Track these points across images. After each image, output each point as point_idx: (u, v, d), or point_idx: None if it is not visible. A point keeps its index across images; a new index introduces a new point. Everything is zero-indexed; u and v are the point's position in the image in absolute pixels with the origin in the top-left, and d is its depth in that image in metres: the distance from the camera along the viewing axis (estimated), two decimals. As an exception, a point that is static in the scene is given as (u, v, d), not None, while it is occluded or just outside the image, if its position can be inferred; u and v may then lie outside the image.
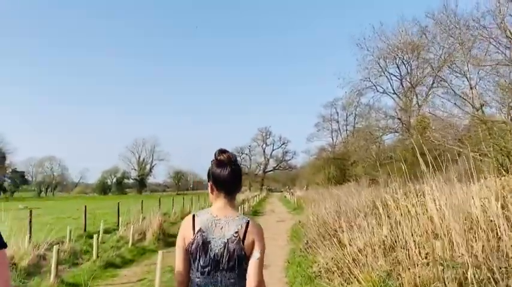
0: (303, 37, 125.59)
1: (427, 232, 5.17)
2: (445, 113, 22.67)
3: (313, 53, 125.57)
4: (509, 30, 16.58)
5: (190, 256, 2.18)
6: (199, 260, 2.15)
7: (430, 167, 6.68)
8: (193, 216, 2.26)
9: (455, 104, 18.37)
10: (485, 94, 18.59)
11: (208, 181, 2.35)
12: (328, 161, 52.90)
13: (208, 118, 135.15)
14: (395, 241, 5.40)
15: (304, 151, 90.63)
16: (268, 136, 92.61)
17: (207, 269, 2.14)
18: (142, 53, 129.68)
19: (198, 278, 2.16)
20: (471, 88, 17.81)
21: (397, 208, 5.76)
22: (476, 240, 4.37)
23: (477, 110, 17.71)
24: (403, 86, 36.14)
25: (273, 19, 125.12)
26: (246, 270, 2.18)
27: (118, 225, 16.44)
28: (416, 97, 34.75)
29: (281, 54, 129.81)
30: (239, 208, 23.17)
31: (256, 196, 50.45)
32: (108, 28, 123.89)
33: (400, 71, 35.67)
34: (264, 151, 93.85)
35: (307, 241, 8.97)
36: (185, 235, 2.21)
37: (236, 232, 2.17)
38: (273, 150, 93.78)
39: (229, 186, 2.29)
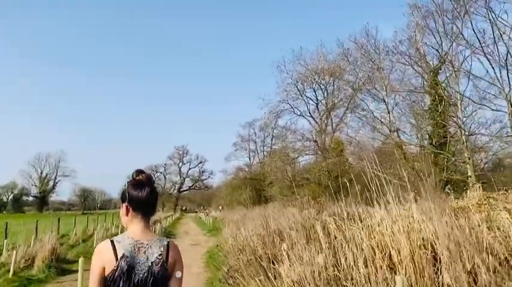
0: (225, 58, 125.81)
1: (373, 261, 4.37)
2: (362, 137, 23.22)
3: (237, 74, 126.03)
4: (425, 58, 17.33)
5: (111, 284, 2.09)
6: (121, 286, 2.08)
7: (374, 190, 6.00)
8: (112, 242, 2.15)
9: (374, 127, 18.69)
10: (402, 119, 19.25)
11: (124, 203, 2.27)
12: (245, 181, 52.41)
13: (121, 136, 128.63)
14: (339, 271, 4.55)
15: (221, 171, 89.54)
16: (185, 155, 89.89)
17: None
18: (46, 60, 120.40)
19: None
20: (388, 112, 18.26)
21: (340, 230, 4.94)
22: (439, 274, 3.65)
23: (393, 133, 18.13)
24: (318, 110, 37.07)
25: (197, 39, 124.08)
26: None
27: (2, 249, 13.89)
28: (332, 121, 35.82)
29: (203, 73, 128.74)
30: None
31: (169, 216, 48.04)
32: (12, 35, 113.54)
33: (316, 95, 36.56)
34: (180, 170, 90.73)
35: (228, 269, 7.85)
36: (104, 262, 2.11)
37: (160, 255, 2.18)
38: (190, 169, 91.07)
39: (147, 208, 2.27)
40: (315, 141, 33.86)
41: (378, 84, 18.36)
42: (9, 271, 10.23)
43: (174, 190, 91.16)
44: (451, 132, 17.00)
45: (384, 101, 18.12)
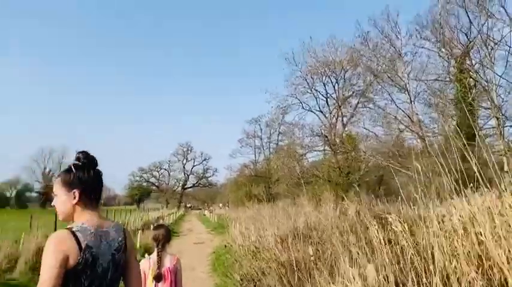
0: (232, 52, 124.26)
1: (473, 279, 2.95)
2: (378, 131, 21.74)
3: (244, 70, 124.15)
4: (450, 44, 15.81)
5: (72, 278, 1.81)
6: (84, 280, 1.84)
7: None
8: (71, 231, 1.87)
9: (395, 117, 17.17)
10: (424, 111, 17.78)
11: (71, 188, 2.02)
12: (250, 179, 50.95)
13: (124, 133, 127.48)
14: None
15: (226, 167, 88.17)
16: (189, 151, 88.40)
17: None
18: (51, 58, 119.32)
19: None
20: (411, 102, 16.77)
21: (404, 233, 3.50)
22: None
23: (415, 124, 16.64)
24: (328, 104, 35.45)
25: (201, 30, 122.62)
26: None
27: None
28: (342, 115, 34.22)
29: (209, 68, 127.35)
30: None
31: (173, 213, 46.65)
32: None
33: (326, 89, 34.92)
34: (184, 167, 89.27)
35: (241, 278, 6.44)
36: (68, 253, 1.82)
37: (121, 240, 2.04)
38: (194, 166, 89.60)
39: (98, 192, 2.10)
40: (325, 136, 32.27)
41: (399, 71, 16.87)
42: (-13, 274, 8.92)
43: (178, 187, 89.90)
44: (479, 123, 15.51)
45: (406, 90, 16.62)
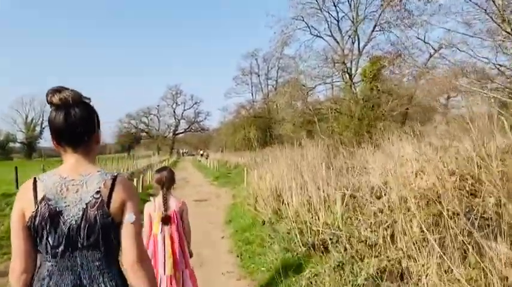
0: None
1: None
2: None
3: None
4: None
5: (35, 234, 1.51)
6: (47, 239, 1.50)
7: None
8: (35, 180, 1.57)
9: (476, 3, 11.80)
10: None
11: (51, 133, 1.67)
12: (249, 120, 45.87)
13: (110, 79, 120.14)
14: None
15: (221, 109, 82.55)
16: (178, 95, 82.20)
17: (60, 250, 1.50)
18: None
19: (49, 262, 1.52)
20: (500, -10, 11.45)
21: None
22: None
23: (504, 23, 11.47)
24: (340, 29, 29.66)
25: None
26: (116, 245, 1.58)
27: None
28: (358, 40, 28.63)
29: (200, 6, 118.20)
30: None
31: (165, 160, 41.94)
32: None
33: (337, 10, 28.94)
34: (174, 112, 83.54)
35: None
36: (24, 207, 1.53)
37: (97, 192, 1.55)
38: (184, 110, 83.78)
39: (71, 136, 1.60)
40: (343, 63, 26.84)
41: None
42: None
43: (169, 133, 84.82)
44: None
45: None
